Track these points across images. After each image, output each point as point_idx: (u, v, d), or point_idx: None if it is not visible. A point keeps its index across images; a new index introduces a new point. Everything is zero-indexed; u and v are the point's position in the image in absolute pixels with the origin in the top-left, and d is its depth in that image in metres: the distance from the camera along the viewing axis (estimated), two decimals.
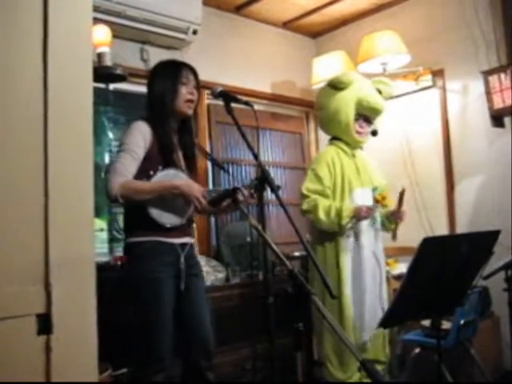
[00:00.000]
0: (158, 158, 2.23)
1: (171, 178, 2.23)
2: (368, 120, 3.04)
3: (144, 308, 2.19)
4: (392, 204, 2.96)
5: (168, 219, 2.22)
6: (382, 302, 2.89)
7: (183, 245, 2.28)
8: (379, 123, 3.15)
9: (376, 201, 2.87)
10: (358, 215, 2.79)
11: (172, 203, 2.21)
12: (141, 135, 2.21)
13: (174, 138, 2.35)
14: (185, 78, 2.31)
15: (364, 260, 2.89)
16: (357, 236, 2.90)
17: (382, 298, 2.90)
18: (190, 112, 2.34)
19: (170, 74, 2.31)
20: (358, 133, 3.01)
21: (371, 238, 2.95)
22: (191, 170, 2.38)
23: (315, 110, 3.15)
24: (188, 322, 2.26)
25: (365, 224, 2.92)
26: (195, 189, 2.18)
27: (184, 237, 2.30)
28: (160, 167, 2.22)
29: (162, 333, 2.17)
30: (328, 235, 2.91)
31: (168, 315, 2.19)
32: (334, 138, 3.10)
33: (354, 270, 2.87)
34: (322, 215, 2.80)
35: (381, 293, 2.90)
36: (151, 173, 2.20)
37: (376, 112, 3.03)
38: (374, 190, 3.00)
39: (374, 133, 3.03)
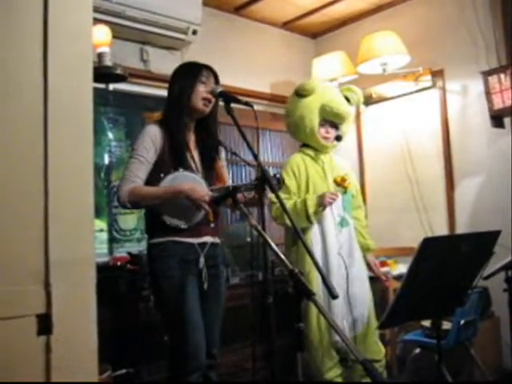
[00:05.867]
0: (170, 159, 2.25)
1: (180, 180, 2.23)
2: (334, 125, 3.11)
3: (167, 306, 2.22)
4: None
5: (180, 220, 2.23)
6: (352, 303, 2.90)
7: (203, 244, 2.29)
8: (347, 129, 3.24)
9: (337, 184, 2.95)
10: (323, 201, 2.84)
11: (183, 205, 2.22)
12: (149, 139, 2.24)
13: (191, 137, 2.36)
14: (204, 78, 2.32)
15: (330, 263, 2.90)
16: (324, 239, 2.93)
17: (352, 298, 2.90)
18: (207, 110, 2.33)
19: (190, 72, 2.33)
20: (324, 138, 3.08)
21: (339, 239, 2.96)
22: (208, 170, 2.37)
23: (284, 117, 3.23)
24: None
25: (331, 225, 2.94)
26: (199, 193, 2.18)
27: (203, 236, 2.30)
28: (171, 169, 2.23)
29: (189, 330, 2.16)
30: (298, 242, 2.92)
31: (194, 312, 2.19)
32: (303, 145, 3.18)
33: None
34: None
35: (348, 293, 2.90)
36: (161, 175, 2.22)
37: (340, 117, 3.09)
38: (343, 193, 3.03)
39: (338, 138, 3.13)
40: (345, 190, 3.04)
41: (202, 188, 2.22)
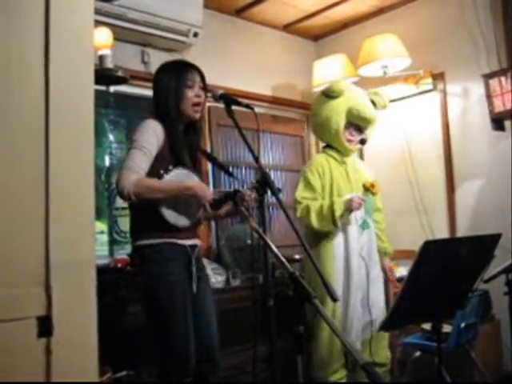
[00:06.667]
0: (168, 157, 2.21)
1: (183, 178, 2.21)
2: (359, 129, 3.11)
3: (166, 312, 2.15)
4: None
5: (179, 220, 2.20)
6: (370, 305, 2.92)
7: (193, 246, 2.28)
8: (371, 133, 3.23)
9: (365, 189, 2.91)
10: (350, 206, 2.83)
11: (184, 204, 2.20)
12: (153, 133, 2.18)
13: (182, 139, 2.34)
14: (190, 81, 2.28)
15: (352, 264, 2.92)
16: (346, 240, 2.94)
17: (370, 300, 2.93)
18: (197, 116, 2.31)
19: (174, 76, 2.28)
20: (348, 141, 3.08)
21: (360, 241, 2.98)
22: (198, 174, 2.36)
23: (311, 116, 3.22)
24: (195, 326, 2.22)
25: (354, 226, 2.96)
26: (207, 191, 2.18)
27: (193, 238, 2.30)
28: (170, 166, 2.19)
29: (188, 336, 2.15)
30: (320, 242, 2.96)
31: (190, 317, 2.18)
32: (327, 146, 3.18)
33: (343, 274, 2.92)
34: (314, 216, 2.87)
35: (368, 295, 2.92)
36: (161, 172, 2.16)
37: (366, 121, 3.09)
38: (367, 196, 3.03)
39: (363, 141, 3.12)
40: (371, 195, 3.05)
41: (208, 187, 2.22)
